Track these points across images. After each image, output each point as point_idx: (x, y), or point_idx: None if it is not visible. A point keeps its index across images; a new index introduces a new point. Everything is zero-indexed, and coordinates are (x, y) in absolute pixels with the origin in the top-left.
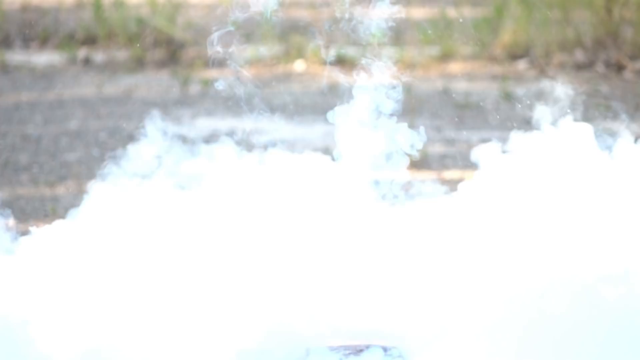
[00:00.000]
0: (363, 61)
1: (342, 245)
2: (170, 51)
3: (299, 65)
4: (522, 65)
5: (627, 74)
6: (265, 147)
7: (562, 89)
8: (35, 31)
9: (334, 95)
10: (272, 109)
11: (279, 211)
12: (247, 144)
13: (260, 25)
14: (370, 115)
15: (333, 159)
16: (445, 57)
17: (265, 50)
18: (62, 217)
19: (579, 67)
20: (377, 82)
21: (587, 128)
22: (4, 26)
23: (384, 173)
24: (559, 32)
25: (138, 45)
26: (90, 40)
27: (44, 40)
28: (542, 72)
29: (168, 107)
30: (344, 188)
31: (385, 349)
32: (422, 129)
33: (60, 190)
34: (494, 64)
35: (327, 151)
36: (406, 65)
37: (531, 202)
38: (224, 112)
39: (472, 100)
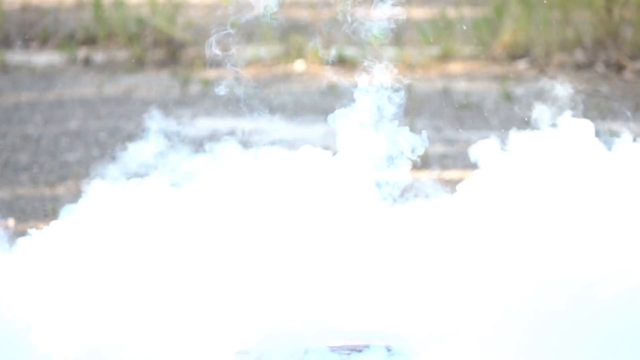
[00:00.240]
0: (363, 61)
1: (343, 246)
2: (170, 51)
3: (299, 65)
4: (522, 65)
5: (627, 74)
6: (265, 147)
7: (562, 89)
8: (35, 31)
9: (334, 95)
10: (272, 109)
11: (279, 211)
12: (247, 144)
13: (260, 26)
14: (370, 116)
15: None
16: (445, 57)
17: (265, 50)
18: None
19: (579, 67)
20: (377, 82)
21: (587, 125)
22: (4, 26)
23: (384, 174)
24: (559, 32)
25: (138, 45)
26: (90, 40)
27: (44, 40)
28: (542, 72)
29: (168, 107)
30: (344, 188)
31: (388, 348)
32: (424, 133)
33: (60, 190)
34: (494, 64)
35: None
36: (406, 65)
37: (531, 201)
38: (224, 112)
39: (472, 100)
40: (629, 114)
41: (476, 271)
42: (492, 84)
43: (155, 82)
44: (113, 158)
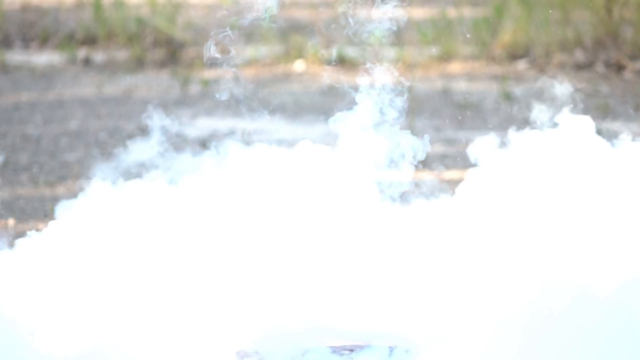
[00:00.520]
0: (363, 61)
1: (343, 246)
2: (170, 51)
3: (299, 65)
4: (522, 65)
5: (627, 74)
6: (265, 147)
7: (561, 89)
8: (35, 31)
9: (334, 95)
10: (272, 109)
11: (279, 211)
12: (247, 144)
13: (260, 26)
14: (370, 117)
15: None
16: (445, 57)
17: (265, 50)
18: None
19: (579, 67)
20: (377, 82)
21: (587, 121)
22: (4, 26)
23: (384, 174)
24: (559, 32)
25: (138, 45)
26: (90, 40)
27: (44, 40)
28: (542, 72)
29: (168, 107)
30: (345, 188)
31: (390, 348)
32: (426, 137)
33: (60, 190)
34: (494, 64)
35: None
36: (406, 65)
37: (531, 201)
38: (224, 112)
39: (472, 100)
40: (629, 114)
41: (477, 271)
42: (492, 84)
43: (155, 82)
44: (113, 158)
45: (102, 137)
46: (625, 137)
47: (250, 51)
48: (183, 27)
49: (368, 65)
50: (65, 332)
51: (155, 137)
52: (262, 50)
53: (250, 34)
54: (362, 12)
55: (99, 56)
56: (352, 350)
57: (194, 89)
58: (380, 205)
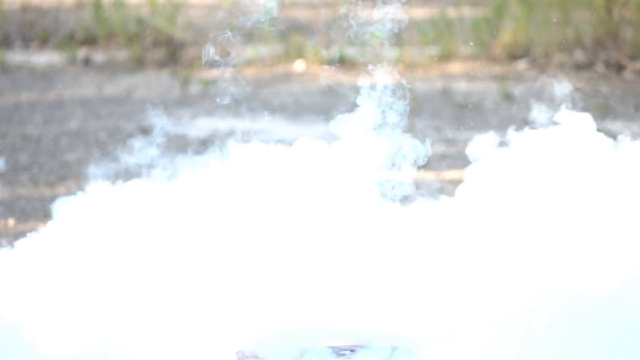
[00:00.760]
0: (363, 61)
1: (343, 246)
2: (170, 51)
3: (299, 65)
4: (522, 65)
5: (627, 74)
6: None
7: (561, 89)
8: (35, 31)
9: (334, 95)
10: (272, 109)
11: (279, 211)
12: (247, 144)
13: (260, 26)
14: (370, 117)
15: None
16: (445, 57)
17: (265, 50)
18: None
19: (579, 67)
20: (377, 82)
21: (586, 119)
22: (4, 26)
23: (384, 174)
24: (559, 32)
25: (138, 45)
26: (90, 40)
27: (44, 40)
28: (542, 72)
29: (168, 107)
30: (345, 188)
31: (392, 348)
32: (428, 141)
33: (60, 190)
34: (494, 64)
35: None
36: (406, 65)
37: (532, 200)
38: (224, 112)
39: (472, 100)
40: (629, 114)
41: (478, 271)
42: (492, 84)
43: (155, 82)
44: (113, 158)
45: (102, 137)
46: (625, 137)
47: (250, 51)
48: (183, 27)
49: (368, 65)
50: (65, 332)
51: (155, 137)
52: (262, 50)
53: (250, 34)
54: (362, 12)
55: (99, 56)
56: (353, 351)
57: (194, 89)
58: (380, 205)
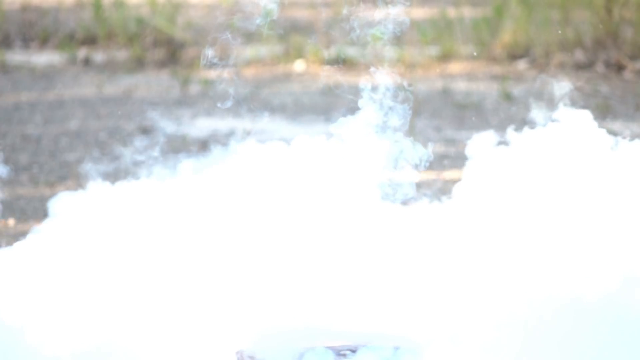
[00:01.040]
0: (363, 61)
1: (344, 246)
2: (170, 51)
3: (299, 65)
4: (522, 65)
5: (627, 74)
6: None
7: (561, 89)
8: (35, 31)
9: (334, 95)
10: (272, 109)
11: (279, 211)
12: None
13: (260, 26)
14: (370, 117)
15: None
16: (445, 57)
17: (265, 50)
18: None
19: (579, 67)
20: (377, 82)
21: (586, 116)
22: (4, 26)
23: (384, 174)
24: (559, 32)
25: (138, 45)
26: (90, 40)
27: (44, 40)
28: (542, 72)
29: (168, 107)
30: (345, 189)
31: (394, 348)
32: (429, 145)
33: (60, 190)
34: (494, 64)
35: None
36: (406, 65)
37: (532, 200)
38: (224, 112)
39: (472, 100)
40: (629, 114)
41: (480, 271)
42: (492, 84)
43: (155, 82)
44: (113, 158)
45: (102, 137)
46: (625, 137)
47: (250, 51)
48: (183, 27)
49: (368, 65)
50: (65, 332)
51: (155, 137)
52: (262, 50)
53: (250, 34)
54: (362, 12)
55: (99, 56)
56: (353, 351)
57: (194, 89)
58: (380, 205)
